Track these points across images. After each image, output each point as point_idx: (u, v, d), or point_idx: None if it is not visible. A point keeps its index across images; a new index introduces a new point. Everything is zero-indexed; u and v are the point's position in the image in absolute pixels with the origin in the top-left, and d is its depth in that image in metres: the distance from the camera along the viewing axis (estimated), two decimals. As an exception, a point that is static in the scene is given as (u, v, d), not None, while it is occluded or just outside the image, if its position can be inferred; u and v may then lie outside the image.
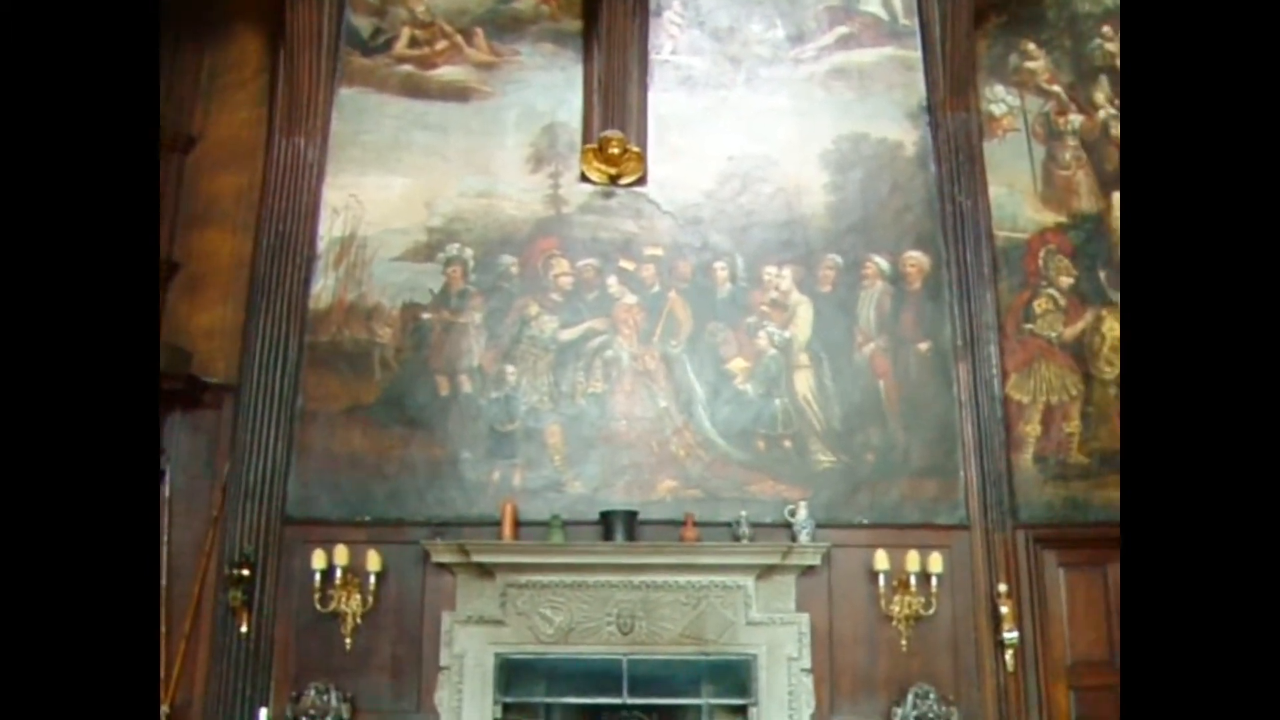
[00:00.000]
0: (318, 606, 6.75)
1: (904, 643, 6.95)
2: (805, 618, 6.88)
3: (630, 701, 6.72)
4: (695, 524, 6.91)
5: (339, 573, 6.75)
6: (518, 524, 6.87)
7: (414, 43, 7.95)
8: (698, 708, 6.82)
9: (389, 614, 6.88)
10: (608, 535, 6.84)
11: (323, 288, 7.40)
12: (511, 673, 6.74)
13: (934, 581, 6.97)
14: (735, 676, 6.79)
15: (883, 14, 8.31)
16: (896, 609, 6.95)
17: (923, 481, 7.26)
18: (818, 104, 8.00)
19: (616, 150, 7.43)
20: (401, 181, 7.61)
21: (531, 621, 6.76)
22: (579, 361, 7.30)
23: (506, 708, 6.74)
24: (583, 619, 6.78)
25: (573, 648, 6.75)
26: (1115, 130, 8.10)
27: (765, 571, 6.85)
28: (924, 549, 7.02)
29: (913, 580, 6.93)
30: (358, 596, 6.77)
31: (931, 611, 6.97)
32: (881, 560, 6.93)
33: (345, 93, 7.81)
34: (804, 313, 7.50)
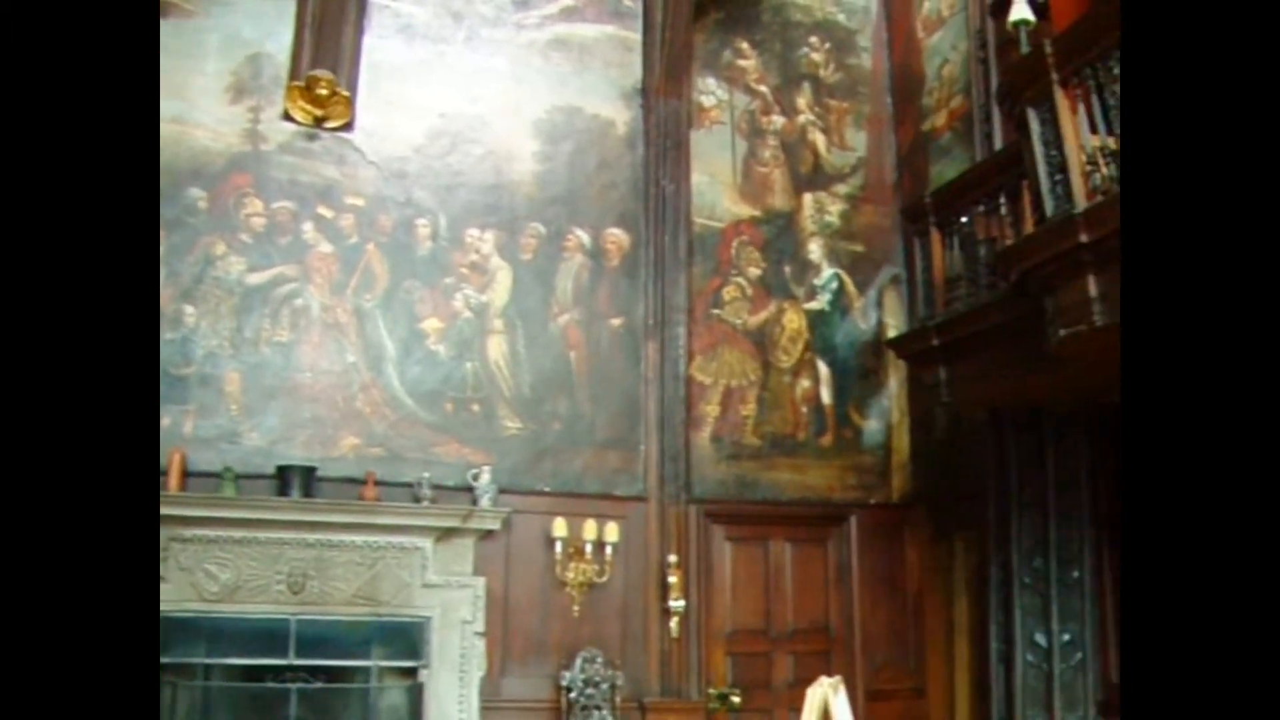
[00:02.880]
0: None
1: (576, 608, 7.42)
2: (481, 581, 7.17)
3: (297, 663, 6.69)
4: (376, 483, 7.02)
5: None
6: (185, 474, 6.68)
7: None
8: (366, 670, 6.93)
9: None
10: (283, 491, 6.80)
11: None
12: (169, 632, 6.42)
13: (609, 550, 7.49)
14: (407, 639, 6.97)
15: (608, -8, 8.69)
16: (571, 575, 7.41)
17: (605, 453, 7.76)
18: (535, 72, 8.28)
19: (324, 92, 7.32)
20: (80, 97, 7.17)
21: (194, 578, 6.57)
22: (265, 308, 7.15)
23: (163, 669, 6.39)
24: (251, 577, 6.70)
25: (238, 606, 6.65)
26: (813, 135, 8.94)
27: (444, 534, 7.09)
28: (602, 518, 7.52)
29: (588, 548, 7.42)
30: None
31: (605, 579, 7.48)
32: (560, 528, 7.36)
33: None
34: (503, 278, 7.78)
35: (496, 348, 7.65)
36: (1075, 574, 6.56)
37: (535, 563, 7.43)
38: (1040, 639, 6.56)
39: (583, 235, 8.07)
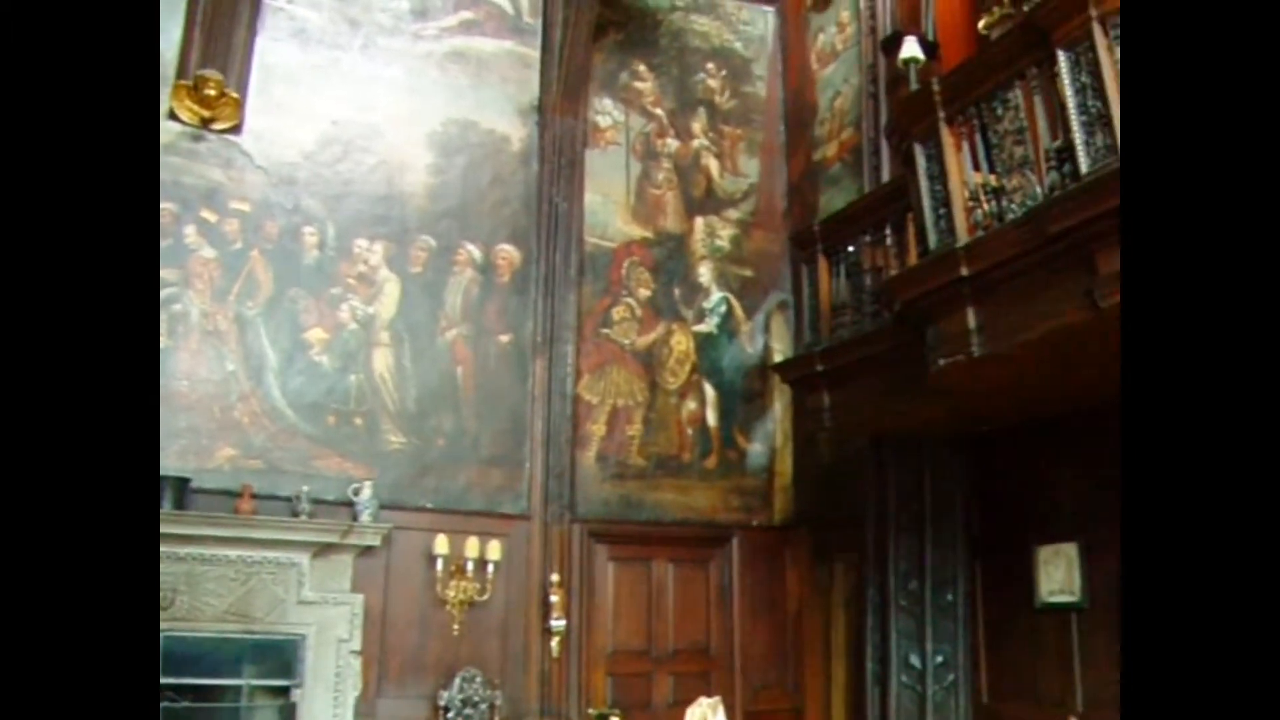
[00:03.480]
0: None
1: (456, 627, 7.34)
2: (360, 599, 7.03)
3: (164, 681, 6.48)
4: (253, 496, 6.85)
5: None
6: (49, 482, 6.44)
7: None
8: (237, 689, 6.74)
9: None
10: (154, 501, 6.62)
11: None
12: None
13: (490, 569, 7.44)
14: (280, 657, 6.80)
15: (508, 8, 8.69)
16: (452, 594, 7.33)
17: (490, 470, 7.72)
18: (431, 83, 8.23)
19: (213, 92, 7.17)
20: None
21: (53, 591, 6.36)
22: (142, 312, 6.94)
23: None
24: (115, 591, 6.47)
25: (100, 622, 6.42)
26: (706, 160, 9.08)
27: (322, 550, 6.94)
28: (484, 536, 7.46)
29: (470, 566, 7.35)
30: None
31: (486, 597, 7.42)
32: (442, 545, 7.28)
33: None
34: (391, 290, 7.69)
35: (382, 360, 7.55)
36: (949, 597, 6.75)
37: (415, 580, 7.34)
38: (915, 660, 6.72)
39: (474, 250, 8.03)
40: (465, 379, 7.79)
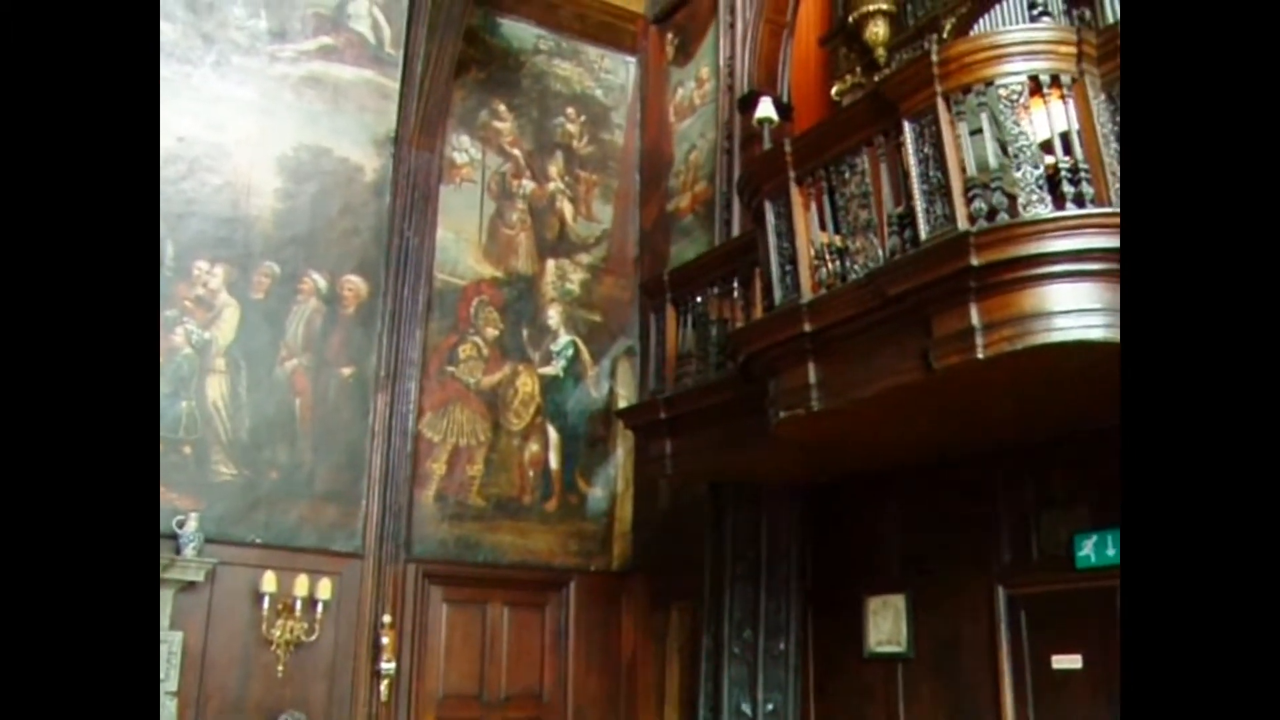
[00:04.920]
0: None
1: (281, 668, 7.08)
2: (178, 636, 6.72)
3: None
4: (66, 525, 6.48)
5: None
6: None
7: None
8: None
9: None
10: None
11: None
12: None
13: (320, 608, 7.21)
14: (86, 696, 6.43)
15: (370, 37, 8.61)
16: (278, 633, 7.08)
17: (324, 506, 7.51)
18: (285, 107, 8.07)
19: (49, 100, 6.86)
20: None
21: None
22: (-46, 325, 6.55)
23: None
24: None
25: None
26: (561, 203, 9.14)
27: (140, 583, 6.61)
28: (315, 574, 7.24)
29: (298, 605, 7.11)
30: None
31: (314, 638, 7.19)
32: (270, 582, 7.03)
33: None
34: (230, 315, 7.46)
35: (216, 388, 7.29)
36: (781, 646, 6.87)
37: (239, 619, 7.05)
38: (746, 708, 6.80)
39: (319, 279, 7.86)
40: (303, 411, 7.58)
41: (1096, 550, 5.31)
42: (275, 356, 7.57)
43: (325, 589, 7.23)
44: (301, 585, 7.14)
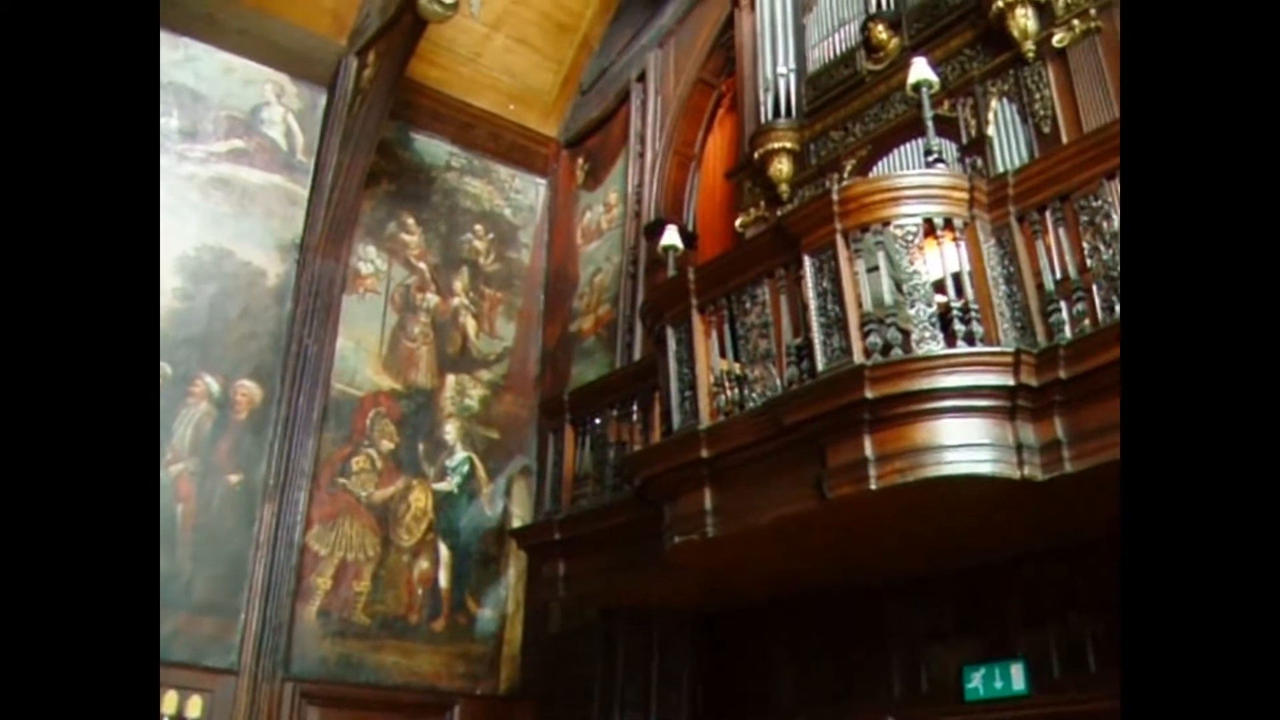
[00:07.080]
0: None
1: (137, 792, 6.66)
2: (27, 755, 6.30)
3: None
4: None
5: None
6: None
7: None
8: None
9: None
10: None
11: None
12: None
13: (187, 728, 6.85)
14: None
15: (283, 143, 8.64)
16: (137, 754, 6.67)
17: (200, 618, 7.20)
18: (190, 206, 8.02)
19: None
20: None
21: None
22: None
23: None
24: None
25: None
26: (464, 318, 9.15)
27: (-9, 697, 6.22)
28: (185, 690, 6.91)
29: (164, 725, 6.75)
30: None
31: (178, 760, 6.80)
32: (134, 698, 6.66)
33: None
34: (114, 416, 7.21)
35: (94, 491, 7.00)
36: (670, 776, 6.73)
37: (97, 737, 6.64)
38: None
39: (212, 382, 7.70)
40: (185, 518, 7.32)
41: (985, 682, 5.35)
42: (160, 460, 7.32)
43: (195, 706, 6.89)
44: (170, 702, 6.79)
